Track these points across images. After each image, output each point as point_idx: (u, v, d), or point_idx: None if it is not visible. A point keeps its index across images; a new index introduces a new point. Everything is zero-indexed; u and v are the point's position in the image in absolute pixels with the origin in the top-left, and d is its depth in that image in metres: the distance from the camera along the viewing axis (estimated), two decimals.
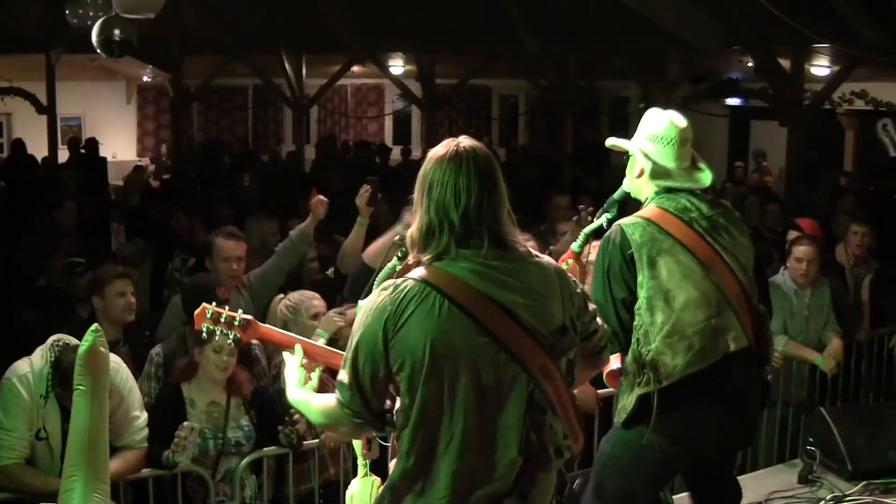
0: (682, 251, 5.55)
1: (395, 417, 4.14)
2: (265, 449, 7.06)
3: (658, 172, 5.71)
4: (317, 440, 7.14)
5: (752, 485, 7.61)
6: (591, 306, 4.52)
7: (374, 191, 8.35)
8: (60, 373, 6.31)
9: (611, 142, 6.04)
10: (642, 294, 5.54)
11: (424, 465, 4.04)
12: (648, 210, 5.74)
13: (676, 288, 5.50)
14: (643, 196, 5.83)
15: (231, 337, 4.77)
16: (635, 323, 5.55)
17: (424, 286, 3.97)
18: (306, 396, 4.49)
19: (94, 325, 5.76)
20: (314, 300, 7.55)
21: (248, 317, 4.82)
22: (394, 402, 4.18)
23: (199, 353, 6.92)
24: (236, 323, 4.74)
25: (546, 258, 4.33)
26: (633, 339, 5.54)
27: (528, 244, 4.32)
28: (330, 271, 8.90)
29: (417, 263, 4.11)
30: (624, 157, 5.92)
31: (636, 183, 5.86)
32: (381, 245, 8.51)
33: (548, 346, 4.11)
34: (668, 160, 5.72)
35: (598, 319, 4.56)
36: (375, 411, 4.13)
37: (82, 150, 22.88)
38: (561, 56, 22.35)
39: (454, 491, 4.01)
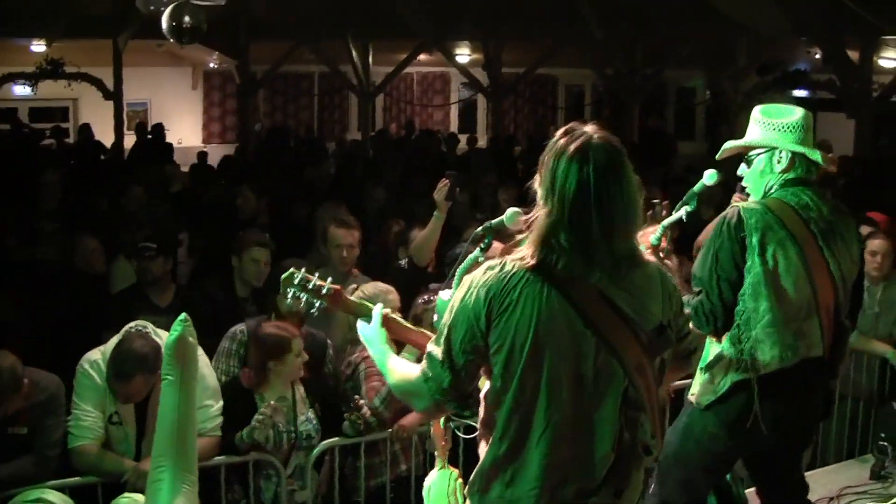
0: (792, 246, 5.50)
1: (481, 401, 4.08)
2: (335, 439, 7.05)
3: (795, 161, 5.68)
4: (388, 432, 7.14)
5: (824, 480, 7.57)
6: (686, 310, 4.47)
7: (453, 185, 8.31)
8: (115, 362, 6.39)
9: (729, 145, 5.91)
10: (748, 279, 5.50)
11: (516, 453, 3.98)
12: (770, 198, 5.68)
13: (782, 280, 5.47)
14: (760, 190, 5.77)
15: (317, 304, 4.75)
16: (738, 308, 5.52)
17: (533, 271, 3.90)
18: (390, 355, 4.45)
19: (183, 315, 5.76)
20: (389, 294, 7.42)
21: (337, 286, 4.79)
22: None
23: (276, 363, 6.90)
24: (324, 291, 4.72)
25: (650, 256, 4.25)
26: (735, 325, 5.52)
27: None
28: (404, 261, 8.88)
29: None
30: (707, 153, 5.88)
31: (758, 177, 5.78)
32: (421, 239, 8.58)
33: (646, 343, 4.04)
34: (801, 146, 5.69)
35: (691, 324, 4.51)
36: (462, 391, 4.05)
37: (149, 136, 22.99)
38: (628, 44, 22.28)
39: (545, 482, 3.94)
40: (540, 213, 3.96)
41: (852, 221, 5.83)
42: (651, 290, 4.09)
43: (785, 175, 5.67)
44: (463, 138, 26.51)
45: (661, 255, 6.01)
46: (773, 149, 5.71)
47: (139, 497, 5.83)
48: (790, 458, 6.12)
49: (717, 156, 6.00)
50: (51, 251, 10.22)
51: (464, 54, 25.06)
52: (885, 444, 8.05)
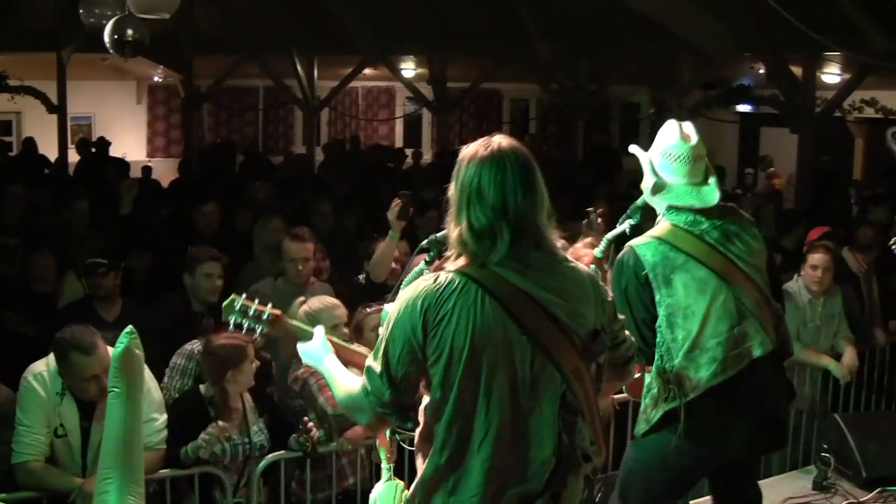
0: (695, 266, 5.60)
1: (421, 413, 4.12)
2: (280, 452, 7.05)
3: (658, 187, 5.74)
4: (335, 445, 7.14)
5: (767, 491, 7.56)
6: (621, 316, 4.53)
7: (406, 204, 8.34)
8: (74, 341, 6.42)
9: (632, 149, 6.04)
10: (661, 312, 5.60)
11: (457, 462, 4.02)
12: (659, 228, 5.78)
13: (694, 303, 5.55)
14: (657, 208, 5.85)
15: (258, 331, 4.79)
16: (658, 340, 5.60)
17: (467, 280, 3.96)
18: (333, 368, 4.48)
19: (129, 328, 5.77)
20: (336, 309, 7.42)
21: (277, 311, 4.85)
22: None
23: (234, 374, 6.92)
24: (265, 317, 4.77)
25: (580, 264, 4.33)
26: (657, 356, 5.59)
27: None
28: (361, 277, 8.92)
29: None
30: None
31: (650, 197, 5.87)
32: (378, 257, 8.62)
33: (581, 348, 4.12)
34: (677, 175, 5.72)
35: (626, 331, 4.56)
36: (402, 404, 4.09)
37: (93, 150, 22.87)
38: (572, 60, 22.37)
39: (487, 488, 3.99)
40: (455, 220, 4.07)
41: (742, 216, 5.91)
42: (583, 295, 4.16)
43: (663, 197, 5.76)
44: (408, 152, 26.56)
45: (605, 268, 6.09)
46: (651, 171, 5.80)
47: None
48: (750, 467, 6.23)
49: (629, 149, 6.08)
50: (10, 267, 10.17)
51: (409, 69, 25.07)
52: (827, 455, 8.16)
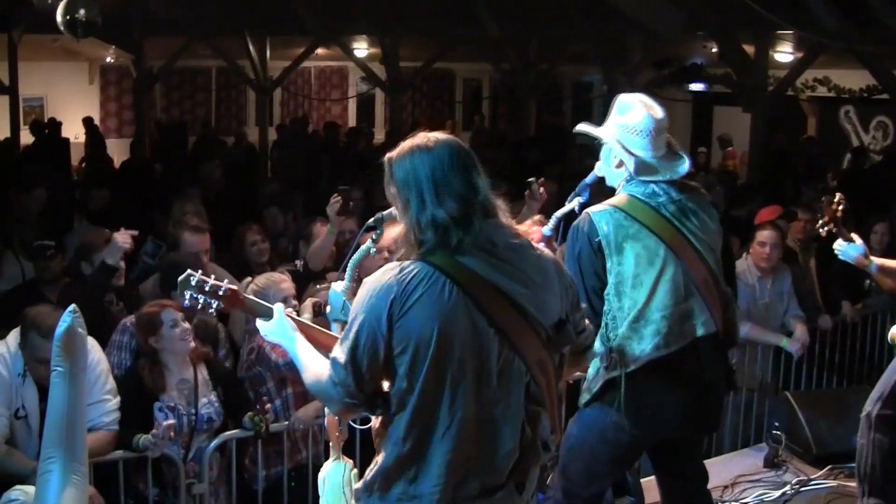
0: (648, 236, 5.55)
1: (389, 400, 4.09)
2: (234, 432, 7.07)
3: (639, 166, 5.66)
4: (286, 423, 7.16)
5: (718, 469, 7.66)
6: (583, 304, 4.52)
7: (346, 200, 8.32)
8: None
9: (581, 128, 5.91)
10: (610, 280, 5.56)
11: (419, 451, 4.01)
12: (617, 197, 5.73)
13: (643, 273, 5.52)
14: (616, 182, 5.81)
15: (214, 306, 4.77)
16: (605, 308, 5.57)
17: (433, 270, 3.93)
18: (299, 344, 4.48)
19: (72, 306, 5.73)
20: (282, 283, 7.44)
21: (234, 286, 4.83)
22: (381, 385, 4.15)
23: (156, 340, 6.93)
24: (220, 292, 4.74)
25: (546, 251, 4.32)
26: (602, 325, 5.57)
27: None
28: (299, 264, 8.90)
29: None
30: (594, 142, 5.89)
31: (612, 172, 5.82)
32: (315, 248, 8.62)
33: (545, 339, 4.12)
34: (642, 151, 5.65)
35: (587, 319, 4.55)
36: (368, 393, 4.06)
37: (45, 132, 22.73)
38: (522, 40, 22.37)
39: (448, 479, 3.99)
40: (409, 214, 4.05)
41: (702, 194, 5.88)
42: (548, 284, 4.16)
43: (637, 176, 5.69)
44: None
45: (555, 245, 6.08)
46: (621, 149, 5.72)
47: (30, 489, 5.80)
48: (692, 446, 6.18)
49: (574, 129, 5.99)
50: None
51: (361, 48, 25.02)
52: (778, 432, 8.18)
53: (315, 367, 4.30)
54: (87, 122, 25.19)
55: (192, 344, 7.01)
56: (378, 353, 3.96)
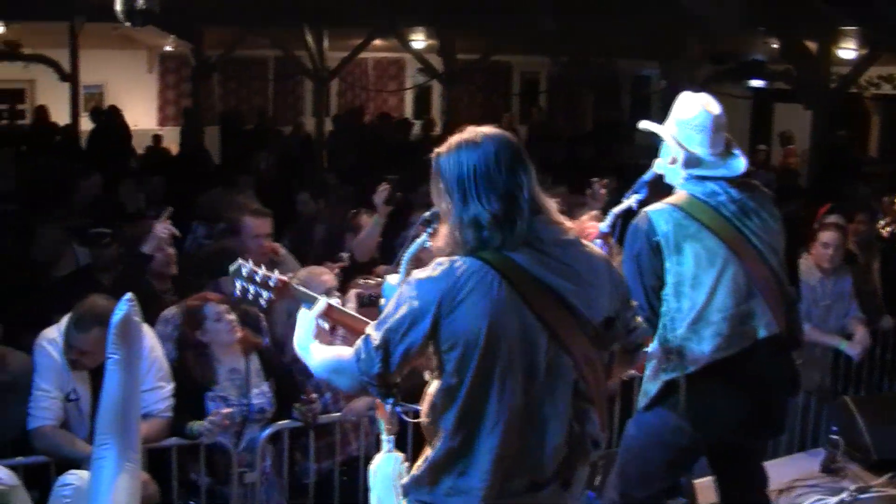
0: (708, 236, 5.50)
1: (428, 398, 4.09)
2: (285, 421, 7.08)
3: (691, 161, 5.62)
4: (338, 414, 7.15)
5: (774, 472, 7.51)
6: (634, 302, 4.47)
7: (393, 189, 8.30)
8: (75, 315, 6.50)
9: (643, 125, 5.93)
10: (669, 280, 5.52)
11: (467, 446, 4.00)
12: (676, 195, 5.69)
13: (703, 273, 5.47)
14: (675, 181, 5.75)
15: (265, 295, 4.76)
16: (663, 309, 5.52)
17: (483, 266, 3.90)
18: (312, 343, 4.47)
19: (128, 295, 5.77)
20: (324, 275, 7.45)
21: (284, 277, 4.84)
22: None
23: (201, 333, 6.97)
24: (271, 283, 4.74)
25: (595, 248, 4.30)
26: (661, 325, 5.52)
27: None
28: (346, 256, 8.89)
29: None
30: (653, 138, 5.84)
31: (669, 169, 5.76)
32: (361, 238, 8.60)
33: (594, 336, 4.09)
34: (700, 147, 5.62)
35: (639, 317, 4.50)
36: (388, 381, 4.07)
37: (103, 119, 22.86)
38: (580, 33, 22.27)
39: (495, 474, 3.98)
40: (457, 210, 4.02)
41: (764, 193, 5.82)
42: (597, 281, 4.13)
43: (689, 170, 5.64)
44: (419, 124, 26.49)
45: (611, 242, 6.03)
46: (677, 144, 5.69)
47: (84, 474, 5.83)
48: (753, 449, 6.11)
49: (638, 126, 5.99)
50: (5, 240, 10.17)
51: (419, 40, 24.95)
52: (836, 437, 8.05)
53: (330, 350, 4.35)
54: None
55: (238, 334, 7.01)
56: (415, 344, 3.97)
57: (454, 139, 4.09)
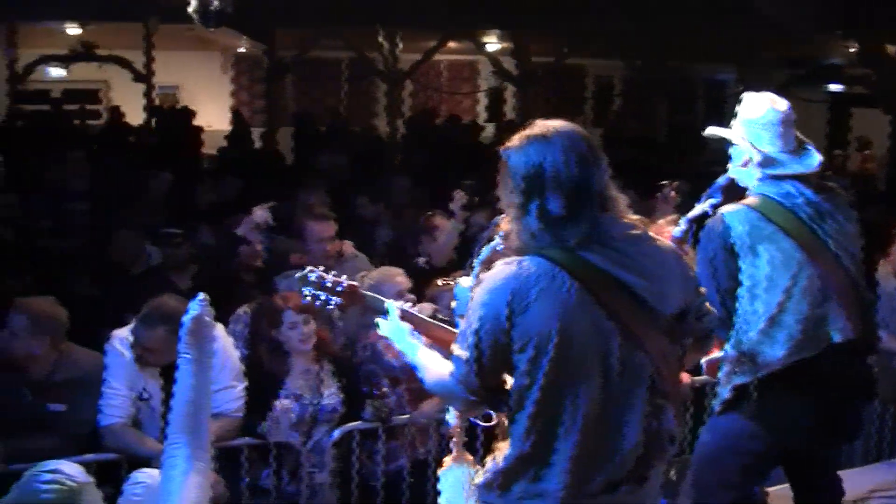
0: (784, 238, 5.43)
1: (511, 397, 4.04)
2: (355, 423, 7.07)
3: (766, 161, 5.56)
4: (408, 416, 7.14)
5: (849, 482, 7.39)
6: (703, 289, 4.42)
7: (469, 196, 8.31)
8: (143, 313, 6.58)
9: (709, 131, 5.90)
10: (744, 282, 5.46)
11: (542, 449, 3.95)
12: (751, 197, 5.62)
13: (778, 276, 5.40)
14: (750, 183, 5.68)
15: (333, 301, 4.74)
16: (737, 311, 5.46)
17: (552, 265, 3.85)
18: (418, 350, 4.42)
19: (201, 294, 5.78)
20: (398, 277, 7.42)
21: (353, 282, 4.80)
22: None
23: (277, 333, 6.98)
24: (339, 288, 4.71)
25: (664, 240, 4.23)
26: (734, 328, 5.46)
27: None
28: (424, 261, 8.89)
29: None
30: (725, 143, 5.79)
31: (742, 171, 5.70)
32: (439, 244, 8.60)
33: (668, 331, 4.04)
34: (770, 146, 5.56)
35: (708, 304, 4.45)
36: (491, 388, 4.02)
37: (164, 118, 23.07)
38: (654, 37, 22.17)
39: (572, 476, 3.92)
40: (525, 207, 3.96)
41: (840, 195, 5.73)
42: (667, 274, 4.07)
43: (763, 169, 5.57)
44: (490, 126, 26.46)
45: (685, 248, 5.98)
46: (748, 145, 5.63)
47: (155, 472, 5.84)
48: (828, 457, 6.07)
49: (704, 132, 5.97)
50: (79, 239, 10.27)
51: (493, 42, 24.95)
52: None
53: (435, 368, 4.27)
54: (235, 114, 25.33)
55: (311, 345, 7.02)
56: (499, 348, 3.91)
57: (524, 133, 4.03)
